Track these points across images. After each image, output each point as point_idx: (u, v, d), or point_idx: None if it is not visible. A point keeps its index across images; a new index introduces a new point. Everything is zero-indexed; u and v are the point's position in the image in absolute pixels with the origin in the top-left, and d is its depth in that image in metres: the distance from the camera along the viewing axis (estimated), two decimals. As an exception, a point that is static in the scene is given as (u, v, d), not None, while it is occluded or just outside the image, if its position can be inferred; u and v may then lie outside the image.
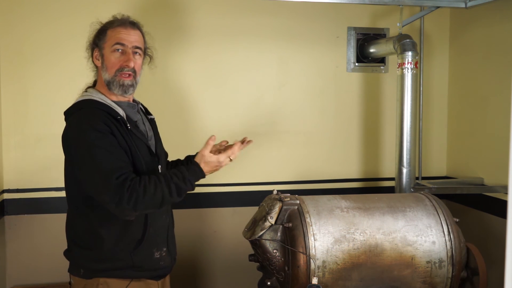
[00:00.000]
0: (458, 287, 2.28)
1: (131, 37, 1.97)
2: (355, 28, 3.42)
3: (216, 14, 3.23)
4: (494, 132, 3.09)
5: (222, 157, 1.95)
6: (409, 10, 3.40)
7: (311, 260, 2.09)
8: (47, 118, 3.03)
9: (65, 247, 2.05)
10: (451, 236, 2.23)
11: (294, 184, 3.35)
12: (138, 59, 2.00)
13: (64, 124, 1.97)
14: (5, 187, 3.03)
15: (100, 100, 1.94)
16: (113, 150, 1.83)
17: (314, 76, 3.39)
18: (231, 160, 1.97)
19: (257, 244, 2.20)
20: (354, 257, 2.14)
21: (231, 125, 3.29)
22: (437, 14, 3.34)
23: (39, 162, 3.04)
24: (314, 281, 2.09)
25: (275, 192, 2.31)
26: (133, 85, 1.99)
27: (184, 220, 3.10)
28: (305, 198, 2.30)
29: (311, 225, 2.15)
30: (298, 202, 2.22)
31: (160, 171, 2.05)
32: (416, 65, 2.97)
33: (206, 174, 1.95)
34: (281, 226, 2.17)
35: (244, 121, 3.31)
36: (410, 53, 2.94)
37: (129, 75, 1.96)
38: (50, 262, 3.01)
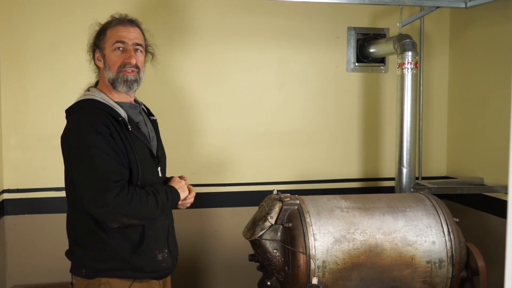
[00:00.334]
0: (458, 287, 2.28)
1: (131, 34, 1.98)
2: (355, 28, 3.42)
3: (216, 14, 3.23)
4: (494, 132, 3.09)
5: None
6: (409, 10, 3.40)
7: (311, 260, 2.10)
8: (47, 118, 3.03)
9: (65, 247, 2.05)
10: (451, 236, 2.23)
11: (294, 184, 3.35)
12: (140, 55, 2.01)
13: (65, 123, 1.97)
14: (5, 187, 3.03)
15: (101, 100, 1.93)
16: (112, 153, 1.83)
17: (314, 76, 3.39)
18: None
19: (257, 244, 2.20)
20: (354, 257, 2.14)
21: (231, 125, 3.29)
22: (437, 14, 3.34)
23: (39, 162, 3.04)
24: (314, 281, 2.09)
25: (275, 192, 2.31)
26: (137, 81, 1.99)
27: (184, 220, 3.10)
28: (305, 198, 2.30)
29: (311, 225, 2.15)
30: (298, 202, 2.22)
31: (159, 173, 2.06)
32: (416, 65, 2.97)
33: (180, 199, 2.04)
34: (281, 226, 2.17)
35: (244, 121, 3.31)
36: (410, 53, 2.94)
37: (132, 71, 1.97)
38: (50, 262, 3.01)
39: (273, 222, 2.16)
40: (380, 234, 2.19)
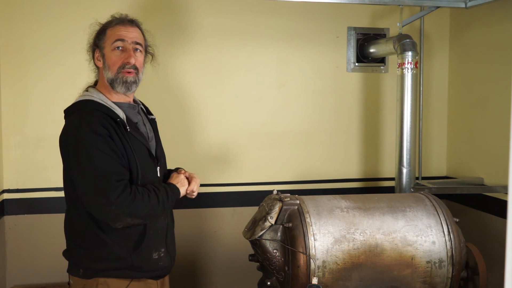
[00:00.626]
0: (458, 287, 2.28)
1: (130, 33, 1.98)
2: (355, 28, 3.42)
3: (216, 14, 3.23)
4: (494, 132, 3.09)
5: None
6: (409, 10, 3.40)
7: (311, 260, 2.09)
8: (47, 118, 3.03)
9: (65, 247, 2.05)
10: (451, 236, 2.23)
11: (294, 184, 3.35)
12: (139, 56, 2.00)
13: (63, 123, 1.97)
14: (5, 187, 3.03)
15: (100, 101, 1.93)
16: (112, 154, 1.83)
17: (314, 76, 3.39)
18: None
19: (257, 244, 2.20)
20: (354, 257, 2.14)
21: (231, 125, 3.29)
22: (437, 14, 3.34)
23: (39, 162, 3.04)
24: (314, 281, 2.09)
25: (275, 192, 2.31)
26: (135, 82, 1.98)
27: (184, 220, 3.10)
28: (305, 198, 2.30)
29: (311, 225, 2.15)
30: (298, 202, 2.22)
31: (158, 173, 2.06)
32: (416, 65, 2.97)
33: (180, 195, 2.05)
34: (281, 226, 2.17)
35: (244, 121, 3.31)
36: (410, 53, 2.94)
37: (131, 72, 1.96)
38: (50, 262, 3.01)
39: (273, 222, 2.16)
40: (380, 234, 2.19)
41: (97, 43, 1.99)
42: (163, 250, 2.03)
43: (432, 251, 2.20)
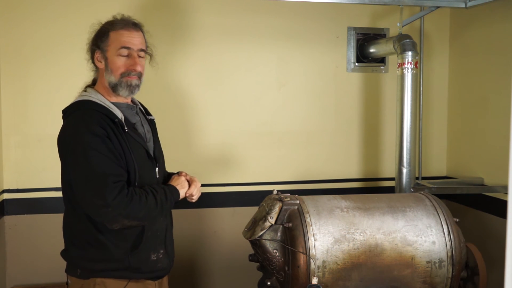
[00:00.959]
0: (458, 287, 2.28)
1: (135, 40, 1.96)
2: (355, 28, 3.42)
3: (216, 15, 3.23)
4: (494, 132, 3.09)
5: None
6: (409, 10, 3.40)
7: (311, 260, 2.09)
8: (47, 118, 3.03)
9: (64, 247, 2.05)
10: (451, 236, 2.23)
11: (294, 184, 3.35)
12: (142, 61, 2.01)
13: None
14: (5, 187, 3.03)
15: (98, 102, 1.92)
16: (109, 155, 1.83)
17: (314, 76, 3.39)
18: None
19: (257, 244, 2.20)
20: (354, 257, 2.14)
21: (231, 125, 3.29)
22: (437, 14, 3.34)
23: (39, 162, 3.04)
24: (314, 281, 2.09)
25: (275, 192, 2.31)
26: (138, 85, 1.99)
27: (183, 220, 3.10)
28: (305, 198, 2.30)
29: (311, 225, 2.15)
30: (298, 202, 2.22)
31: (157, 174, 2.05)
32: (416, 65, 2.97)
33: (180, 197, 2.04)
34: (281, 226, 2.17)
35: (244, 121, 3.31)
36: (410, 53, 2.94)
37: (135, 76, 1.97)
38: (50, 262, 3.01)
39: (273, 222, 2.16)
40: (380, 234, 2.19)
41: (99, 44, 1.97)
42: (162, 251, 2.02)
43: (432, 251, 2.20)
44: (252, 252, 2.32)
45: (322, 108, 3.41)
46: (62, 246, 2.06)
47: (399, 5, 3.03)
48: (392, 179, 3.23)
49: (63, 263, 2.04)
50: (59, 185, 1.99)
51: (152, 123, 2.15)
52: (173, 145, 3.14)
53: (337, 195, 2.36)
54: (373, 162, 3.51)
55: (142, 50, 1.99)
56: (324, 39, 3.39)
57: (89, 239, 1.91)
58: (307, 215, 2.17)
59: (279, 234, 2.18)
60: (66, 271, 2.01)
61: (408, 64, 2.94)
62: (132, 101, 2.09)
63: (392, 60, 3.43)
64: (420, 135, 3.38)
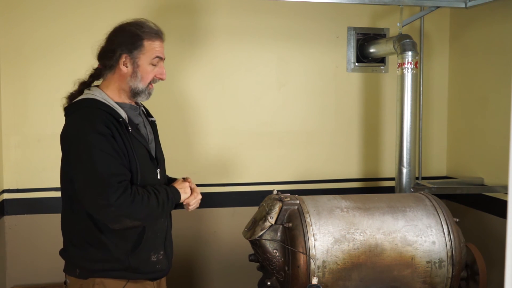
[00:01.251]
0: (458, 287, 2.28)
1: (163, 50, 2.03)
2: (355, 28, 3.42)
3: (216, 15, 3.23)
4: (494, 132, 3.09)
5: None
6: (409, 10, 3.40)
7: (311, 260, 2.09)
8: (47, 118, 3.03)
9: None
10: (451, 236, 2.23)
11: (294, 184, 3.35)
12: None
13: (63, 121, 1.96)
14: (5, 187, 3.03)
15: (102, 100, 1.92)
16: (114, 154, 1.83)
17: (314, 76, 3.39)
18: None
19: (257, 244, 2.20)
20: (354, 257, 2.14)
21: (231, 125, 3.29)
22: (437, 14, 3.34)
23: (39, 162, 3.04)
24: (314, 281, 2.09)
25: (275, 192, 2.31)
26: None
27: (183, 220, 3.10)
28: (305, 198, 2.30)
29: (311, 225, 2.15)
30: (298, 202, 2.22)
31: (159, 175, 2.05)
32: (416, 65, 2.97)
33: (180, 200, 2.03)
34: (281, 226, 2.17)
35: (244, 121, 3.31)
36: (410, 53, 2.94)
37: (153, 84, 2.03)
38: (50, 262, 3.00)
39: (273, 222, 2.16)
40: (380, 234, 2.19)
41: (130, 49, 1.94)
42: (161, 252, 2.02)
43: (432, 251, 2.20)
44: (252, 252, 2.32)
45: (322, 108, 3.41)
46: (62, 246, 2.06)
47: (399, 5, 3.03)
48: (392, 179, 3.23)
49: (63, 263, 2.04)
50: (59, 185, 1.99)
51: (153, 125, 2.15)
52: (173, 145, 3.14)
53: (337, 195, 2.36)
54: (373, 162, 3.51)
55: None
56: (324, 39, 3.39)
57: (90, 238, 1.91)
58: (307, 215, 2.17)
59: (279, 234, 2.18)
60: (64, 270, 2.01)
61: (408, 64, 2.94)
62: (135, 102, 2.09)
63: (392, 60, 3.43)
64: (420, 135, 3.38)
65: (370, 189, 3.43)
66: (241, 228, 2.37)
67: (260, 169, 3.35)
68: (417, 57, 2.97)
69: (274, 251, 2.16)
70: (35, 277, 3.07)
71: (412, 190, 2.98)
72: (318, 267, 2.10)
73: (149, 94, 2.02)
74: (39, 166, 3.04)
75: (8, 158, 3.02)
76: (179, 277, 3.24)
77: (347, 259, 2.14)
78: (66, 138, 1.90)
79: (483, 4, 2.95)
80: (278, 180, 3.35)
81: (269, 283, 2.25)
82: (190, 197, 2.05)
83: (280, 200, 2.21)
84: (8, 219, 3.05)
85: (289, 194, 2.28)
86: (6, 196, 3.03)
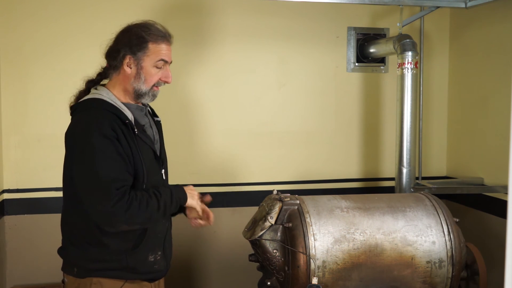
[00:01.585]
0: (458, 287, 2.28)
1: (170, 53, 2.00)
2: (355, 28, 3.42)
3: (216, 15, 3.23)
4: (494, 132, 3.09)
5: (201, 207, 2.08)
6: (409, 10, 3.40)
7: (311, 260, 2.09)
8: (47, 118, 3.03)
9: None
10: (451, 236, 2.23)
11: (294, 184, 3.35)
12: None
13: (66, 119, 1.95)
14: (5, 187, 3.03)
15: (109, 101, 1.91)
16: (117, 158, 1.82)
17: (314, 76, 3.39)
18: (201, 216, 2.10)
19: (257, 244, 2.20)
20: (354, 257, 2.14)
21: (231, 125, 3.29)
22: (437, 14, 3.34)
23: (39, 162, 3.04)
24: (314, 281, 2.09)
25: (275, 192, 2.31)
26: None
27: (183, 220, 3.08)
28: (305, 198, 2.30)
29: (311, 225, 2.15)
30: (298, 202, 2.22)
31: (163, 175, 2.06)
32: (416, 65, 2.97)
33: (186, 203, 2.01)
34: (281, 226, 2.17)
35: (244, 121, 3.31)
36: (410, 53, 2.94)
37: (158, 86, 2.01)
38: (50, 262, 2.99)
39: (273, 222, 2.16)
40: (380, 234, 2.19)
41: (134, 51, 1.93)
42: (159, 253, 2.01)
43: (432, 251, 2.20)
44: (252, 252, 2.32)
45: (322, 108, 3.41)
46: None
47: (399, 5, 3.03)
48: (392, 179, 3.23)
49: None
50: (59, 185, 1.98)
51: (158, 125, 2.14)
52: (174, 145, 3.13)
53: (337, 195, 2.36)
54: (373, 162, 3.51)
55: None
56: (324, 39, 3.39)
57: (89, 238, 1.90)
58: (307, 215, 2.17)
59: (279, 234, 2.18)
60: (62, 269, 2.00)
61: (408, 64, 2.94)
62: (142, 102, 2.07)
63: (392, 60, 3.43)
64: (420, 135, 3.38)
65: (370, 189, 3.43)
66: (241, 228, 2.37)
67: (260, 169, 3.35)
68: (417, 57, 2.97)
69: (274, 251, 2.16)
70: (35, 277, 3.07)
71: (412, 190, 2.98)
72: (318, 267, 2.10)
73: (154, 96, 2.00)
74: (39, 166, 3.04)
75: (8, 158, 3.02)
76: (179, 277, 3.24)
77: (347, 259, 2.14)
78: (71, 137, 1.89)
79: (483, 4, 2.95)
80: (278, 180, 3.35)
81: (269, 283, 2.25)
82: (210, 215, 2.06)
83: (280, 200, 2.21)
84: (8, 219, 3.05)
85: (289, 194, 2.28)
86: (6, 196, 3.03)
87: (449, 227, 2.24)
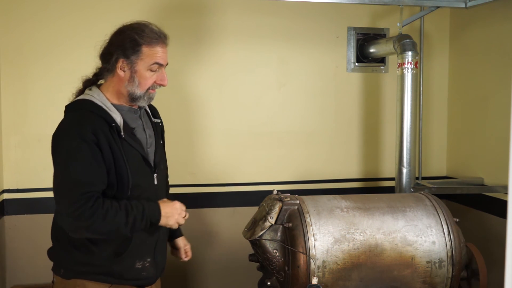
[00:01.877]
0: (458, 287, 2.28)
1: (166, 55, 1.95)
2: (355, 28, 3.42)
3: (216, 15, 3.23)
4: (494, 132, 3.09)
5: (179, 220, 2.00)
6: (409, 10, 3.40)
7: (311, 260, 2.09)
8: (47, 118, 3.02)
9: None
10: (451, 236, 2.23)
11: (294, 184, 3.35)
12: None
13: None
14: (5, 187, 3.03)
15: (99, 103, 1.89)
16: (91, 162, 1.79)
17: (314, 76, 3.39)
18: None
19: (257, 244, 2.20)
20: (354, 257, 2.14)
21: (231, 125, 3.29)
22: (437, 14, 3.34)
23: (39, 162, 3.03)
24: (314, 281, 2.09)
25: (275, 192, 2.31)
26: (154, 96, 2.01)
27: (184, 220, 3.09)
28: (305, 198, 2.30)
29: (311, 225, 2.15)
30: (298, 202, 2.22)
31: (155, 181, 2.00)
32: (416, 65, 2.97)
33: (159, 222, 1.93)
34: (281, 226, 2.17)
35: (244, 121, 3.31)
36: (410, 53, 2.94)
37: (155, 89, 1.97)
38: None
39: (273, 222, 2.16)
40: (380, 234, 2.19)
41: (127, 54, 1.88)
42: (149, 260, 1.97)
43: (432, 251, 2.20)
44: (252, 252, 2.32)
45: (322, 108, 3.41)
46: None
47: (399, 5, 3.03)
48: (392, 179, 3.23)
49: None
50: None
51: (157, 126, 2.10)
52: (174, 145, 3.13)
53: (337, 195, 2.36)
54: (373, 162, 3.51)
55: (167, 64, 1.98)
56: (324, 39, 3.39)
57: (74, 241, 1.89)
58: (307, 215, 2.17)
59: (279, 234, 2.18)
60: (52, 269, 2.01)
61: (408, 64, 2.94)
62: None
63: (392, 60, 3.43)
64: (420, 135, 3.38)
65: (370, 189, 3.43)
66: (241, 228, 2.37)
67: (260, 169, 3.35)
68: (417, 57, 2.97)
69: (274, 251, 2.16)
70: (35, 277, 3.07)
71: (412, 190, 2.98)
72: (318, 267, 2.10)
73: (150, 98, 1.96)
74: (39, 166, 3.04)
75: (8, 158, 3.02)
76: (179, 277, 3.24)
77: (347, 259, 2.14)
78: (53, 138, 1.88)
79: (483, 4, 2.95)
80: (278, 180, 3.35)
81: (269, 283, 2.25)
82: (172, 225, 1.96)
83: (280, 200, 2.21)
84: (8, 219, 3.05)
85: (289, 194, 2.27)
86: (6, 196, 3.03)
87: (449, 227, 2.25)
